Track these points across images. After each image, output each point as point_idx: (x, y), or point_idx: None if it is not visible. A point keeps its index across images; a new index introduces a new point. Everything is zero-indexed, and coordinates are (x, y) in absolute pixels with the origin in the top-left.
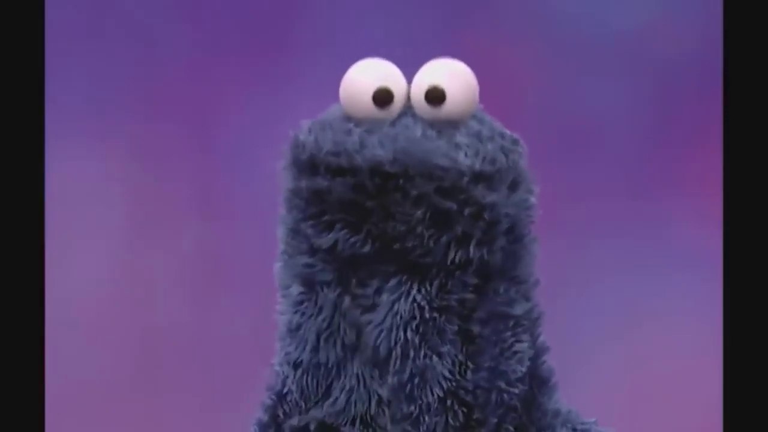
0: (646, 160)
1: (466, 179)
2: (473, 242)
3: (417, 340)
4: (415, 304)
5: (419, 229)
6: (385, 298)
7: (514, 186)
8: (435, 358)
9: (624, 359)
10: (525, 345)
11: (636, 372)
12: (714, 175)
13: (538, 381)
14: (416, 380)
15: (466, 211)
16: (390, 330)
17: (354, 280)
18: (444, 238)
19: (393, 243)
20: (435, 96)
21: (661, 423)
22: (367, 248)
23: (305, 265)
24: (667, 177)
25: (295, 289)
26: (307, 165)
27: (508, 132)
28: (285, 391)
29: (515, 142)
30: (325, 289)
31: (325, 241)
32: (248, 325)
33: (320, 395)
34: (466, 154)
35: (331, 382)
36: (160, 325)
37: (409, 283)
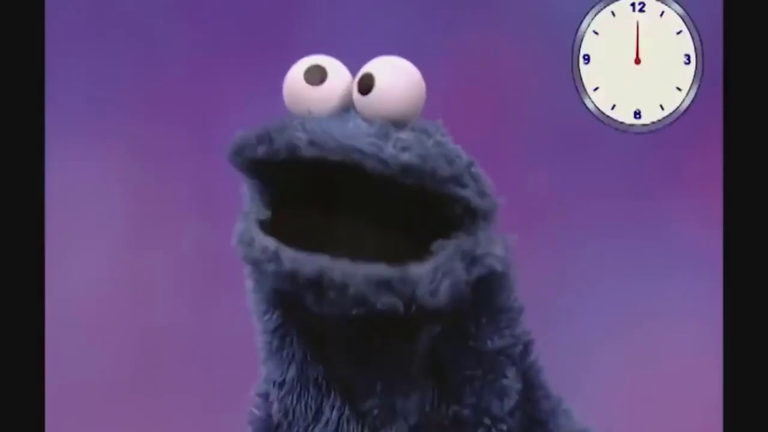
0: (646, 160)
1: (390, 171)
2: (423, 330)
3: (384, 375)
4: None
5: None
6: (351, 338)
7: (471, 257)
8: (402, 395)
9: (624, 359)
10: (509, 380)
11: (636, 372)
12: (714, 175)
13: (534, 421)
14: (383, 413)
15: (413, 308)
16: (355, 367)
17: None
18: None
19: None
20: (364, 82)
21: (661, 423)
22: None
23: (276, 291)
24: (667, 177)
25: (271, 313)
26: (238, 159)
27: (465, 155)
28: (271, 413)
29: (471, 163)
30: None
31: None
32: (248, 325)
33: (310, 419)
34: (394, 146)
35: (321, 403)
36: (160, 325)
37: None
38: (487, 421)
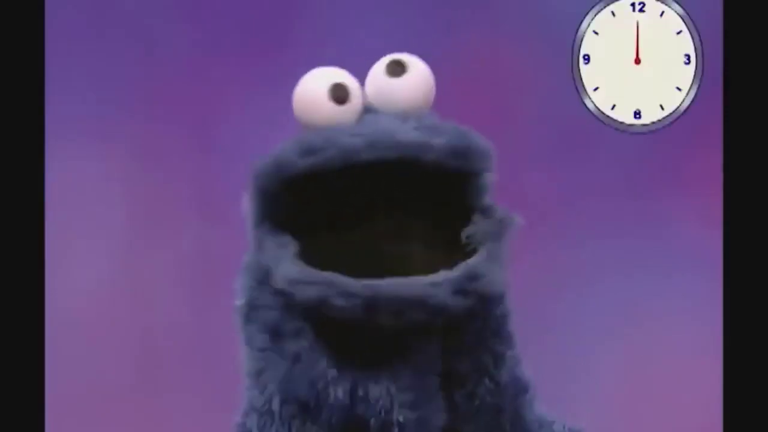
0: (646, 160)
1: (442, 154)
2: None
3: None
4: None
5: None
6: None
7: (501, 235)
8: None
9: (624, 359)
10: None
11: (636, 372)
12: (714, 175)
13: (514, 390)
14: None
15: (483, 303)
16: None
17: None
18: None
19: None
20: (396, 65)
21: (661, 423)
22: None
23: (272, 317)
24: (667, 177)
25: (260, 337)
26: (275, 177)
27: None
28: None
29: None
30: (291, 340)
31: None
32: None
33: None
34: (437, 132)
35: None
36: (160, 325)
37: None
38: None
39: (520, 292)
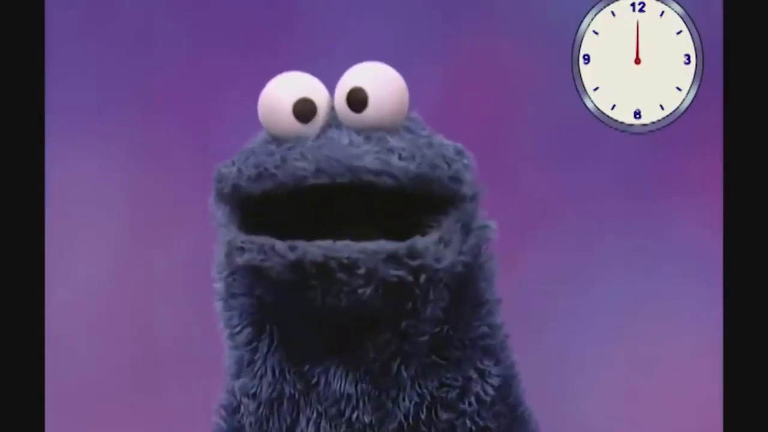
0: (646, 160)
1: (400, 183)
2: (429, 304)
3: (371, 386)
4: (369, 352)
5: (371, 303)
6: (338, 344)
7: (466, 229)
8: (391, 402)
9: (624, 359)
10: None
11: (636, 372)
12: (714, 175)
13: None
14: (373, 421)
15: (422, 279)
16: (344, 375)
17: (304, 323)
18: (399, 310)
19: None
20: (356, 99)
21: (661, 423)
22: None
23: (251, 306)
24: (667, 177)
25: (243, 328)
26: (232, 196)
27: (450, 142)
28: (241, 422)
29: (460, 152)
30: (275, 328)
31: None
32: None
33: (284, 430)
34: (400, 157)
35: (297, 416)
36: (160, 325)
37: (361, 331)
38: (470, 408)
39: (519, 292)
